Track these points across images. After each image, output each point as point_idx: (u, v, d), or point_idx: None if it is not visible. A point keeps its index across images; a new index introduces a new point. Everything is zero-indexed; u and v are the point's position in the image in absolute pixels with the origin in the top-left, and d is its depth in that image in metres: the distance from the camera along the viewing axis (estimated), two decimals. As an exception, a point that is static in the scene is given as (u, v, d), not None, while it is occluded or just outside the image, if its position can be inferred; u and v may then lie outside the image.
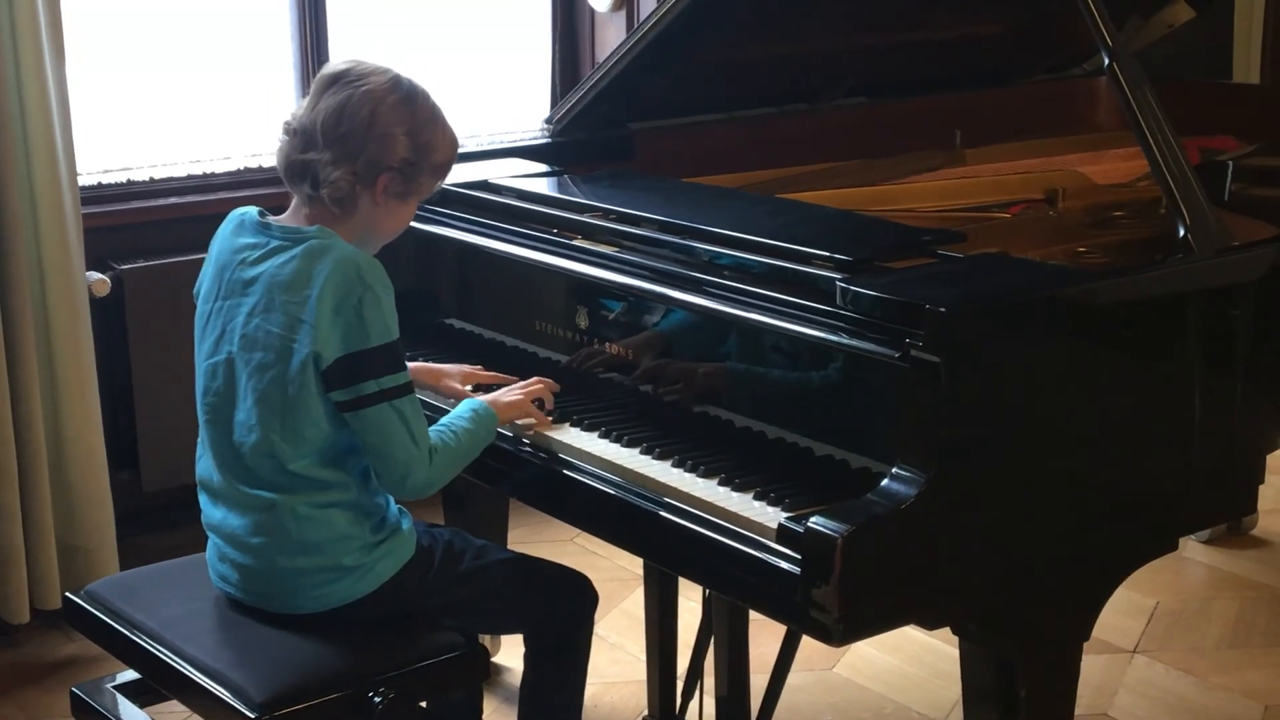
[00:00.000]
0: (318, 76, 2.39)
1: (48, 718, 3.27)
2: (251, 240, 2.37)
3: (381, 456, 2.32)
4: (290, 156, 2.36)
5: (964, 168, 3.33)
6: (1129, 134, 2.50)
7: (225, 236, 2.43)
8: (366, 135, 2.32)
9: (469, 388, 2.65)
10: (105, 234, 3.72)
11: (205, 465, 2.44)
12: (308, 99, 2.37)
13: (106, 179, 3.81)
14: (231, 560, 2.41)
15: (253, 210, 2.43)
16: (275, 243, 2.35)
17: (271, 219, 2.41)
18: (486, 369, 2.69)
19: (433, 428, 2.40)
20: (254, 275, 2.34)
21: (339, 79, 2.35)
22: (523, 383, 2.56)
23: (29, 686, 3.41)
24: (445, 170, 2.44)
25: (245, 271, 2.35)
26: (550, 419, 2.51)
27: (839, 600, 2.00)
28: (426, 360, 2.76)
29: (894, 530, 2.03)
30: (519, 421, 2.51)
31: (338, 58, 3.68)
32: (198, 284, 2.46)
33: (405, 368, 2.33)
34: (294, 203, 2.41)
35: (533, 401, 2.53)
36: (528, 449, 2.50)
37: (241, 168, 3.96)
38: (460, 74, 4.42)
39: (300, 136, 2.35)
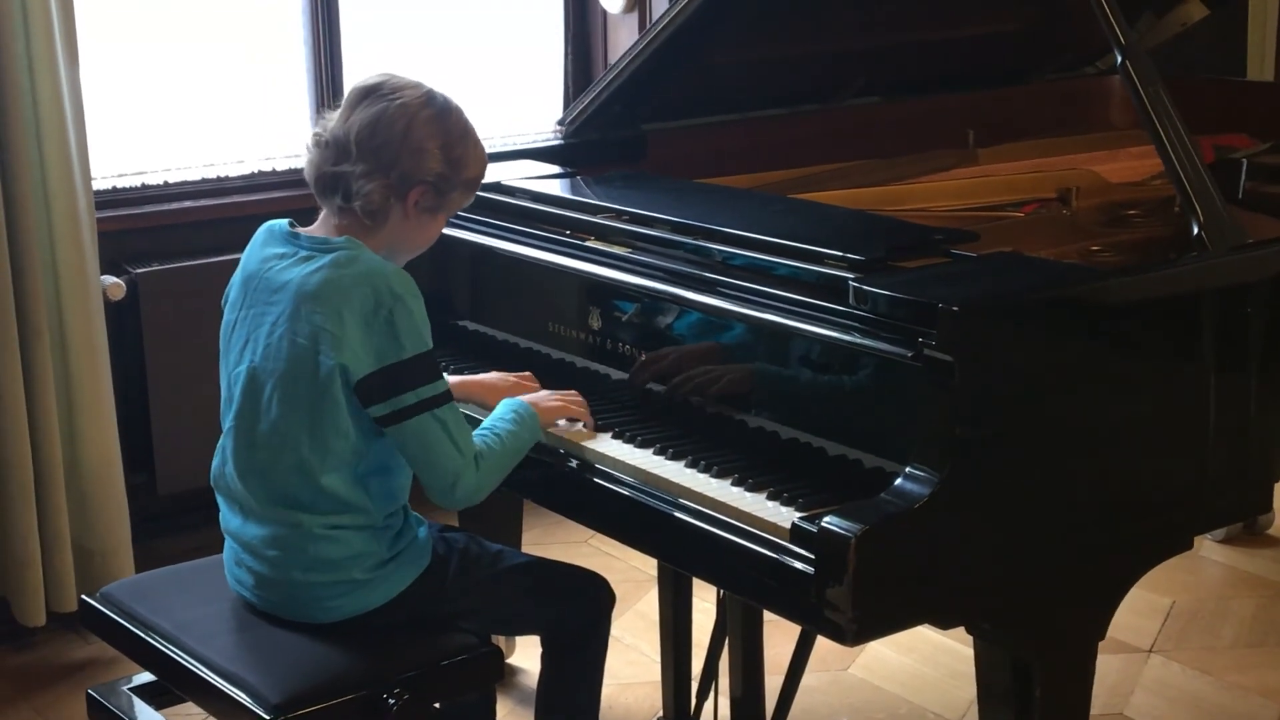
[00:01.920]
0: (350, 90, 2.38)
1: (65, 720, 3.29)
2: (280, 250, 2.37)
3: (427, 467, 2.31)
4: (321, 169, 2.35)
5: (977, 167, 3.32)
6: (1143, 132, 2.49)
7: (255, 247, 2.42)
8: (401, 148, 2.31)
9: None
10: (120, 238, 3.73)
11: (225, 471, 2.42)
12: (339, 112, 2.37)
13: (121, 183, 3.82)
14: (247, 566, 2.41)
15: (283, 222, 2.42)
16: (303, 252, 2.34)
17: (301, 230, 2.40)
18: (505, 371, 2.67)
19: (475, 432, 2.38)
20: (281, 283, 2.33)
21: (372, 92, 2.35)
22: (560, 392, 2.53)
23: (45, 689, 3.42)
24: (475, 186, 2.44)
25: (272, 280, 2.34)
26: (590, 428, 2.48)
27: (852, 600, 1.99)
28: (445, 364, 2.76)
29: (907, 530, 2.03)
30: (560, 423, 2.49)
31: (362, 69, 3.71)
32: (226, 292, 2.46)
33: (442, 376, 2.31)
34: (323, 214, 2.40)
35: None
36: (538, 450, 2.49)
37: (255, 170, 3.97)
38: (473, 75, 4.43)
39: (332, 149, 2.34)
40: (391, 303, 2.26)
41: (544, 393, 2.53)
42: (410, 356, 2.27)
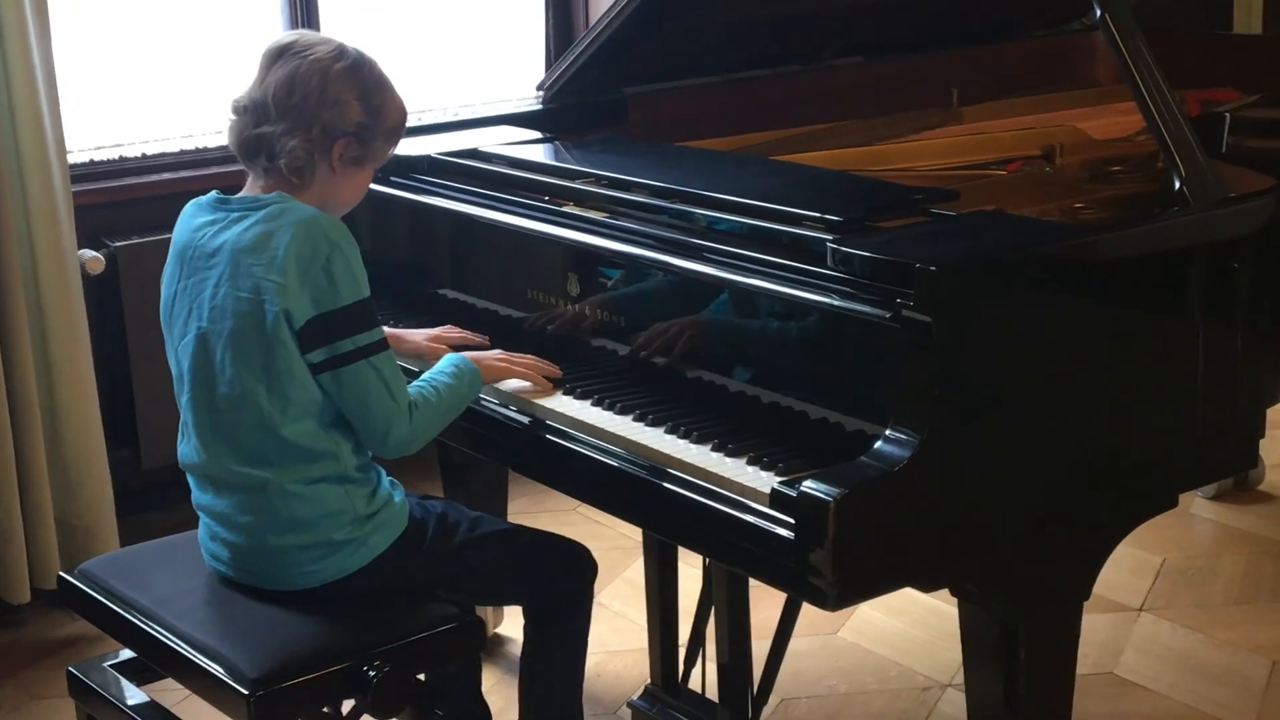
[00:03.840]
0: (263, 53, 2.40)
1: (51, 697, 3.27)
2: (210, 217, 2.38)
3: (361, 415, 2.32)
4: (243, 134, 2.37)
5: (961, 125, 3.29)
6: (1128, 88, 2.46)
7: (185, 220, 2.44)
8: (320, 102, 2.33)
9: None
10: (99, 211, 3.71)
11: (189, 449, 2.42)
12: (255, 76, 2.38)
13: (98, 155, 3.80)
14: (222, 539, 2.40)
15: (211, 193, 2.43)
16: (235, 213, 2.35)
17: (229, 196, 2.41)
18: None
19: (412, 384, 2.39)
20: (216, 246, 2.34)
21: (285, 52, 2.37)
22: (513, 354, 2.54)
23: (31, 666, 3.41)
24: (398, 135, 2.45)
25: (207, 245, 2.35)
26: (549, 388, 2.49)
27: (833, 564, 1.98)
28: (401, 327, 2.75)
29: (888, 493, 2.01)
30: (509, 387, 2.49)
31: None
32: (164, 273, 2.45)
33: (379, 324, 2.33)
34: (250, 179, 2.42)
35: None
36: (520, 418, 2.48)
37: (234, 141, 3.93)
38: (455, 41, 4.39)
39: (252, 113, 2.36)
40: (328, 250, 2.28)
41: (493, 352, 2.55)
42: (347, 304, 2.28)
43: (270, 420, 2.30)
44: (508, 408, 2.51)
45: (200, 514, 2.45)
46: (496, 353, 2.54)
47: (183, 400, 2.41)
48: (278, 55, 2.37)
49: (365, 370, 2.29)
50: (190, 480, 2.45)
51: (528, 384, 2.50)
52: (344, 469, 2.35)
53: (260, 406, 2.30)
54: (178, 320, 2.39)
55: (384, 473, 2.45)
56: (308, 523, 2.33)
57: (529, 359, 2.52)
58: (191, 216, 2.41)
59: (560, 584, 2.51)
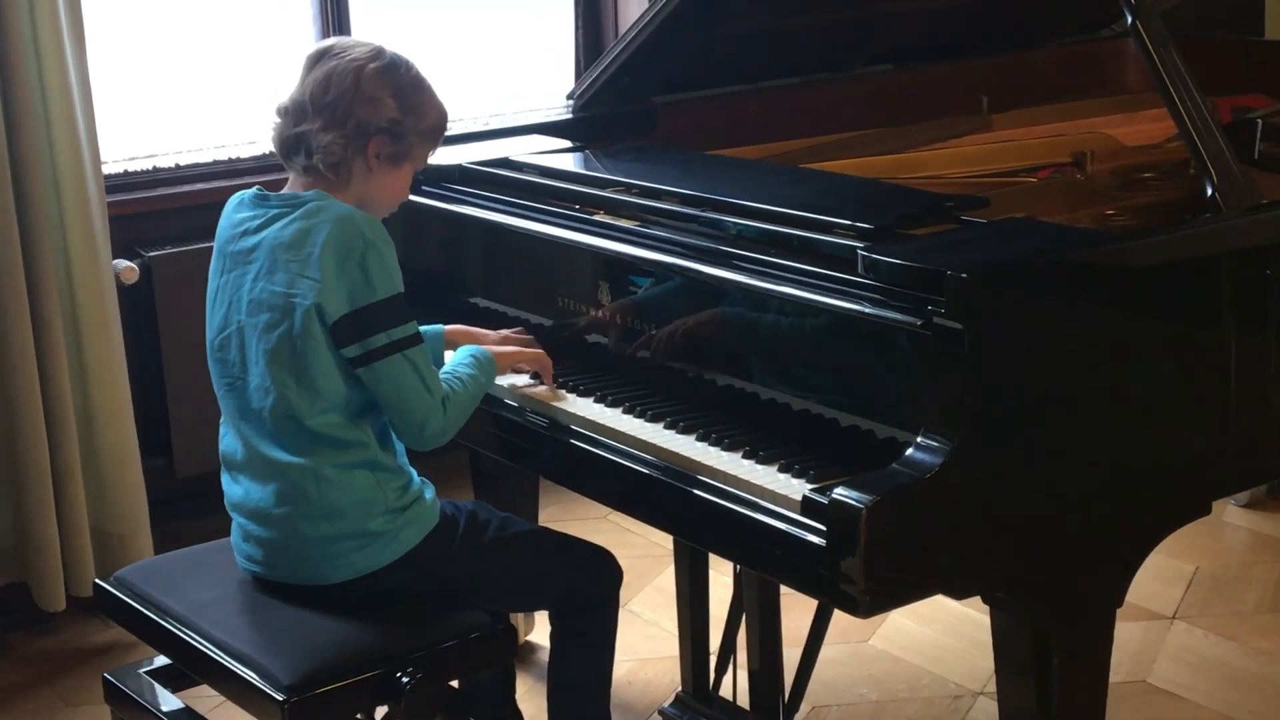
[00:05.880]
0: (305, 57, 2.45)
1: (87, 704, 3.29)
2: (250, 212, 2.43)
3: (398, 408, 2.36)
4: (284, 134, 2.43)
5: (992, 133, 3.29)
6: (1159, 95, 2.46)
7: (227, 215, 2.49)
8: (354, 100, 2.38)
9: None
10: (133, 221, 3.73)
11: (228, 441, 2.47)
12: (297, 79, 2.44)
13: (133, 166, 3.82)
14: (255, 538, 2.42)
15: (251, 189, 2.48)
16: (275, 210, 2.40)
17: (270, 193, 2.45)
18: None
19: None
20: (255, 243, 2.39)
21: (324, 54, 2.43)
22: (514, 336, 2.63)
23: (67, 674, 3.43)
24: (436, 136, 2.49)
25: (246, 241, 2.40)
26: (554, 387, 2.55)
27: (865, 571, 1.98)
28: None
29: (919, 500, 2.01)
30: (518, 383, 2.55)
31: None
32: (209, 268, 2.50)
33: (413, 319, 2.37)
34: (290, 179, 2.47)
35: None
36: (550, 426, 2.49)
37: (267, 151, 3.95)
38: (485, 51, 4.41)
39: (292, 114, 2.42)
40: (363, 247, 2.32)
41: (498, 335, 2.63)
42: (382, 299, 2.33)
43: (299, 411, 2.34)
44: (538, 416, 2.52)
45: (234, 514, 2.48)
46: (500, 337, 2.60)
47: (219, 390, 2.46)
48: (317, 59, 2.43)
49: (400, 363, 2.33)
50: (226, 478, 2.49)
51: (542, 387, 2.55)
52: (373, 456, 2.38)
53: (288, 398, 2.34)
54: (218, 313, 2.44)
55: (415, 472, 2.47)
56: (339, 511, 2.36)
57: (528, 341, 2.60)
58: (234, 211, 2.47)
59: (585, 587, 2.52)
